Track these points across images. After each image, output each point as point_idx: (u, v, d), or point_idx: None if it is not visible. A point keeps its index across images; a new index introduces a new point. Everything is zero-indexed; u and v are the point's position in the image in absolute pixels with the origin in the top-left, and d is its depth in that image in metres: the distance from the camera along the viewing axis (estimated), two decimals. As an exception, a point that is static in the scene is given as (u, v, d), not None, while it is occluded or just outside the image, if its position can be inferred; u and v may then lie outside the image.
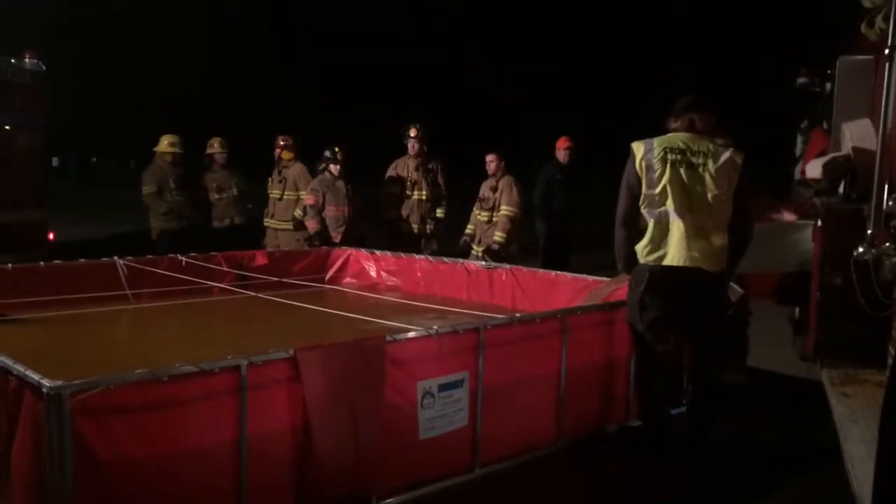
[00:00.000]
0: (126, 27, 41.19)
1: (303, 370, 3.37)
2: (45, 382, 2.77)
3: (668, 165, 4.29)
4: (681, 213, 4.27)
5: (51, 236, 8.76)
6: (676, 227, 4.28)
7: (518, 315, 4.56)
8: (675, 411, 4.72)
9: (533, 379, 4.35)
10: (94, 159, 48.40)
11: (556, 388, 4.45)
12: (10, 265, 5.91)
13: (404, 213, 8.55)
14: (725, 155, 4.35)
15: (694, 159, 4.31)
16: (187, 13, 43.20)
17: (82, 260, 6.35)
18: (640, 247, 4.39)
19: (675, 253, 4.29)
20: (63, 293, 5.84)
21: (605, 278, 5.66)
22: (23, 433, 2.95)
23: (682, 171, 4.29)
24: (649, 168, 4.28)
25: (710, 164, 4.31)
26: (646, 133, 4.53)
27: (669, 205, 4.28)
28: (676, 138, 4.39)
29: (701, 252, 4.29)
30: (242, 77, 43.64)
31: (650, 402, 4.56)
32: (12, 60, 8.29)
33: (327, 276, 7.67)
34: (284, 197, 8.79)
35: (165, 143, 8.74)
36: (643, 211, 4.36)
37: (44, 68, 8.54)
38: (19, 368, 2.95)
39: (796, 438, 4.93)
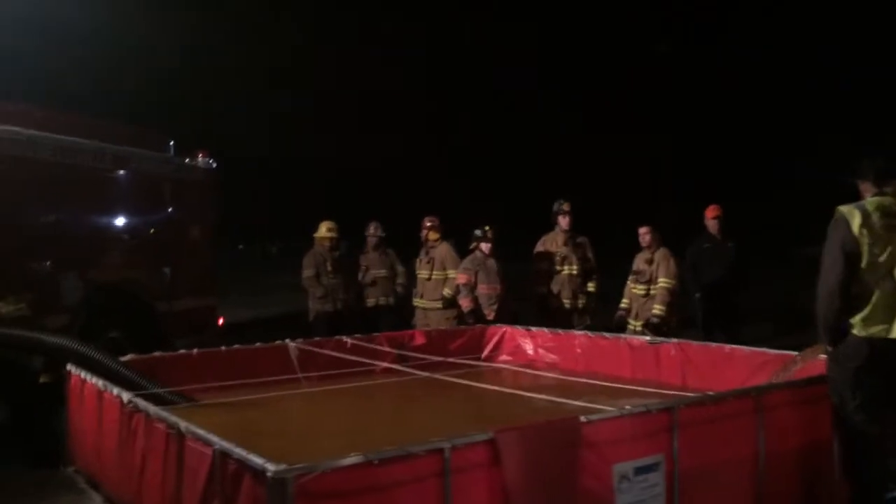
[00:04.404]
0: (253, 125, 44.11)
1: (502, 452, 3.32)
2: (269, 467, 2.85)
3: (891, 231, 4.07)
4: None
5: (220, 321, 9.24)
6: None
7: (711, 393, 4.33)
8: (890, 495, 4.31)
9: (729, 462, 4.09)
10: (241, 246, 51.68)
11: (753, 472, 4.16)
12: (195, 351, 6.25)
13: (555, 288, 8.50)
14: None
15: None
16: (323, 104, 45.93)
17: (258, 344, 6.66)
18: (859, 318, 4.11)
19: None
20: (241, 377, 6.03)
21: (789, 352, 5.33)
22: (242, 516, 3.04)
23: None
24: (872, 234, 4.05)
25: None
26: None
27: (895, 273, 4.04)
28: (887, 202, 4.17)
29: None
30: (388, 161, 45.45)
31: (863, 489, 4.19)
32: (187, 160, 8.96)
33: (484, 354, 7.66)
34: (433, 277, 8.93)
35: (324, 230, 9.19)
36: (866, 280, 4.10)
37: (214, 166, 9.19)
38: (241, 452, 3.06)
39: None
